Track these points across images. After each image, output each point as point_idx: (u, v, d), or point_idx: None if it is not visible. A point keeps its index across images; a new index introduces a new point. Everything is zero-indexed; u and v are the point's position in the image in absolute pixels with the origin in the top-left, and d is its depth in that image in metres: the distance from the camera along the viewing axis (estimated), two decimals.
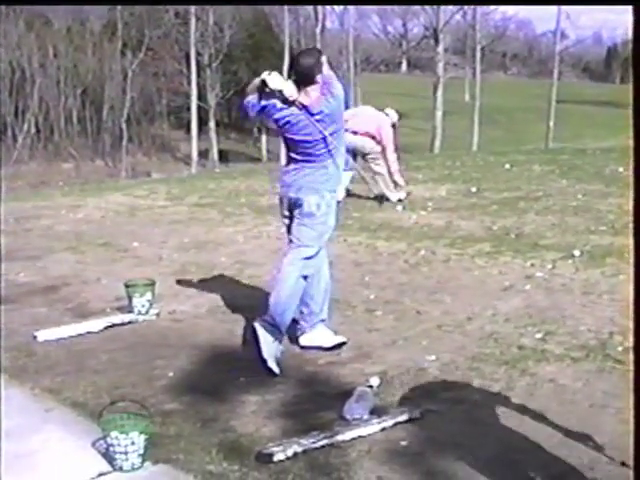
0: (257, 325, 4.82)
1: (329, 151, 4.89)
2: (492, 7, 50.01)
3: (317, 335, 5.15)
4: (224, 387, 4.60)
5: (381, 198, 10.28)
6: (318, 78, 4.84)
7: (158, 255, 7.91)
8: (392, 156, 10.20)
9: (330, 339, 5.12)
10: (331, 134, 4.84)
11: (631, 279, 2.51)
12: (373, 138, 10.13)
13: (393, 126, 10.40)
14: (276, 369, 4.74)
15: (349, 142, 9.98)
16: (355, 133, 9.94)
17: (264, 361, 4.72)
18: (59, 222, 9.85)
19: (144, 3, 40.50)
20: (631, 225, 2.50)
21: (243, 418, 4.18)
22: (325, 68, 4.90)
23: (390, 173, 10.30)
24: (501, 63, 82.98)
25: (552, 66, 42.85)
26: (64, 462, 3.73)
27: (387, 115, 10.39)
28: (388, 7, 63.17)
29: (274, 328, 4.85)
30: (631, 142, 2.45)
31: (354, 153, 10.11)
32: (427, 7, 46.10)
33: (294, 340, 5.23)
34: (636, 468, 2.51)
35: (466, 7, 45.66)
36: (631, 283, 2.48)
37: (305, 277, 4.98)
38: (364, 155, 10.27)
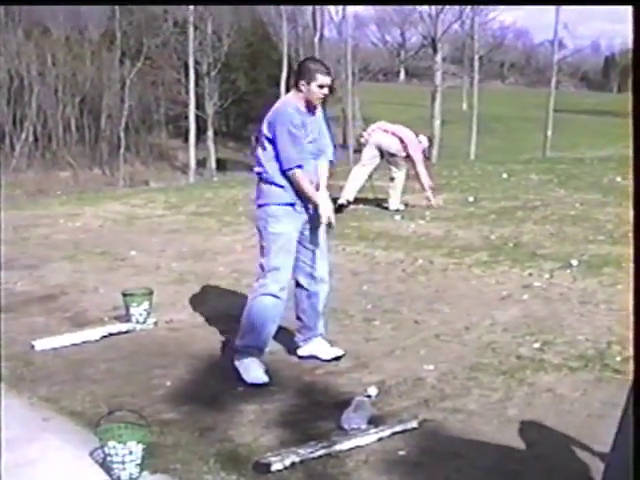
0: (236, 363, 4.88)
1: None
2: (490, 16, 50.08)
3: (314, 348, 5.14)
4: (222, 396, 4.60)
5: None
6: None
7: (156, 264, 7.91)
8: (422, 170, 10.41)
9: (327, 352, 5.11)
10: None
11: (631, 280, 2.50)
12: (401, 142, 10.27)
13: (423, 152, 10.58)
14: (264, 379, 4.77)
15: (377, 140, 10.09)
16: (386, 132, 10.26)
17: (251, 384, 4.75)
18: (57, 231, 9.84)
19: (142, 3, 40.50)
20: (631, 234, 2.50)
21: (241, 428, 4.18)
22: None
23: (421, 183, 10.50)
24: (499, 72, 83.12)
25: (550, 75, 42.89)
26: (62, 472, 3.73)
27: (420, 142, 10.57)
28: (386, 16, 63.19)
29: (254, 349, 4.90)
30: (630, 150, 2.45)
31: (380, 151, 10.29)
32: (425, 16, 46.18)
33: (292, 350, 5.23)
34: (636, 467, 2.51)
35: (464, 17, 45.76)
36: (631, 283, 2.47)
37: (271, 295, 4.88)
38: (390, 155, 10.36)
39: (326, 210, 4.87)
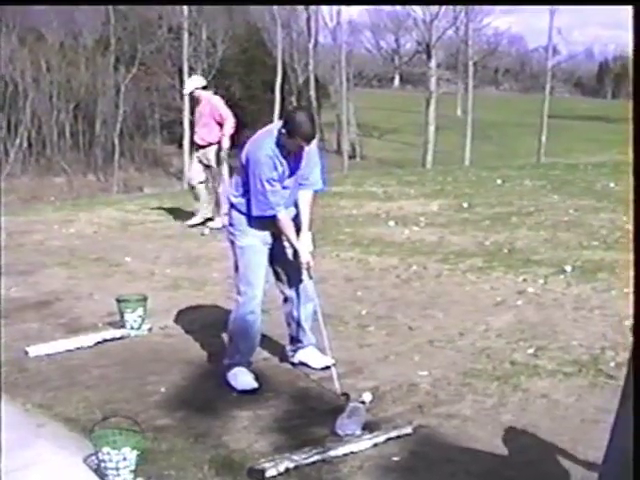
0: (227, 378, 4.87)
1: None
2: (484, 22, 50.20)
3: (305, 356, 5.14)
4: (216, 402, 4.60)
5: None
6: None
7: (150, 270, 7.90)
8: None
9: (318, 361, 5.10)
10: None
11: (631, 280, 2.51)
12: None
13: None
14: (254, 385, 4.78)
15: None
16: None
17: (243, 391, 4.75)
18: (51, 237, 9.82)
19: (139, 3, 40.47)
20: (624, 240, 2.51)
21: (235, 434, 4.18)
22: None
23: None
24: (493, 78, 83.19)
25: (544, 81, 43.06)
26: (56, 477, 3.73)
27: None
28: (381, 22, 63.28)
29: (241, 361, 4.91)
30: (630, 156, 2.46)
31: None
32: (420, 22, 46.25)
33: (286, 356, 5.23)
34: (636, 468, 2.52)
35: (459, 23, 45.83)
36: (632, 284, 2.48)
37: (250, 312, 4.87)
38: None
39: (305, 255, 4.86)
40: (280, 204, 4.75)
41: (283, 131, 4.62)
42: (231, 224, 4.95)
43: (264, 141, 4.75)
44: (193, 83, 10.15)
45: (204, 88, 10.02)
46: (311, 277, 4.93)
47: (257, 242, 4.86)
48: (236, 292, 4.95)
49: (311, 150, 4.84)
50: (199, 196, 9.93)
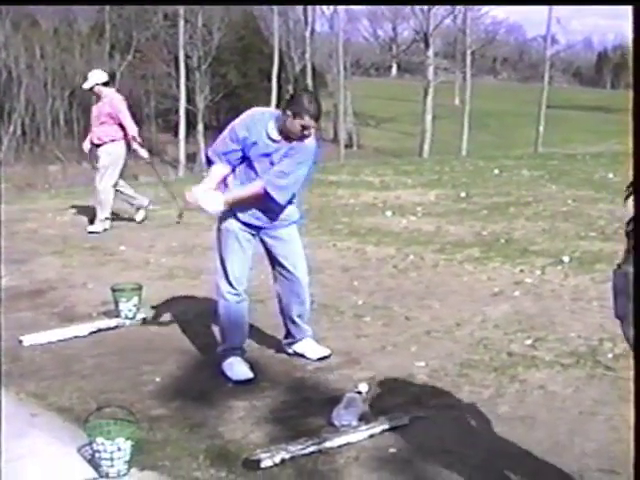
0: (222, 367, 4.85)
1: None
2: (483, 11, 50.17)
3: (302, 346, 5.11)
4: (211, 393, 4.57)
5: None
6: None
7: (145, 259, 7.87)
8: None
9: (315, 351, 5.08)
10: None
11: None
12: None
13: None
14: (249, 375, 4.75)
15: None
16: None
17: (238, 381, 4.74)
18: (45, 225, 9.78)
19: (137, 3, 40.39)
20: (622, 231, 2.47)
21: (231, 424, 4.15)
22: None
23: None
24: (491, 67, 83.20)
25: (542, 71, 42.93)
26: (50, 468, 3.70)
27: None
28: (378, 10, 63.15)
29: (233, 350, 4.89)
30: (630, 141, 2.42)
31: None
32: (417, 11, 46.12)
33: (282, 346, 5.20)
34: (636, 468, 2.49)
35: (456, 11, 45.75)
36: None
37: (231, 295, 4.83)
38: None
39: (190, 193, 4.83)
40: (222, 157, 4.75)
41: (288, 112, 4.58)
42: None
43: (263, 112, 4.81)
44: (94, 78, 9.48)
45: (106, 84, 9.50)
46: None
47: (234, 227, 4.81)
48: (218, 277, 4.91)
49: (300, 153, 4.71)
50: (104, 203, 9.36)
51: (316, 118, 4.60)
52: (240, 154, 4.73)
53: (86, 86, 9.56)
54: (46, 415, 4.31)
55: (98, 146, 9.35)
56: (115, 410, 3.85)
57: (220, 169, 4.80)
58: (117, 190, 9.45)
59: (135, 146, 9.33)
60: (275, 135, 4.66)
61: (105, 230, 9.29)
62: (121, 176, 9.55)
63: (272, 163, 4.71)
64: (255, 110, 4.89)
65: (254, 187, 4.72)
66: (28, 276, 7.33)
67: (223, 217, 4.84)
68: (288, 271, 4.92)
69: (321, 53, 50.66)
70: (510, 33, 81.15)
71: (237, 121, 4.78)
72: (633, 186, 2.44)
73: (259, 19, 47.41)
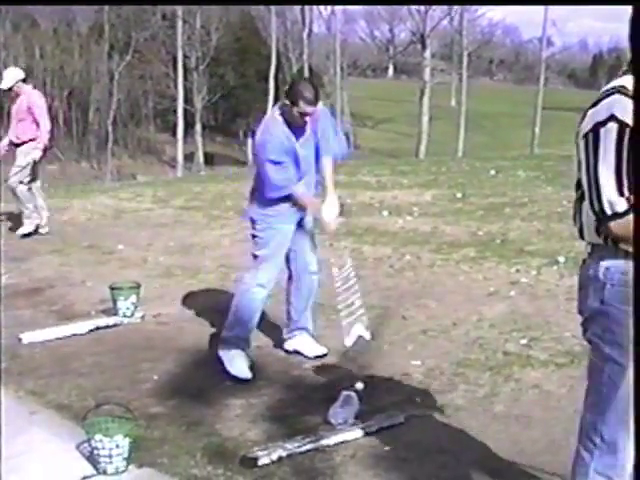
0: (220, 352, 4.91)
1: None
2: (479, 12, 50.17)
3: (299, 343, 5.15)
4: (209, 391, 4.60)
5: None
6: None
7: (143, 258, 7.89)
8: None
9: (312, 349, 5.12)
10: None
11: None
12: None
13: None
14: (248, 375, 4.77)
15: None
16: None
17: (235, 377, 4.76)
18: (44, 224, 9.77)
19: (136, 3, 40.35)
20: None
21: (228, 422, 4.18)
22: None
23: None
24: (487, 69, 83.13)
25: (538, 72, 43.00)
26: (48, 465, 3.72)
27: None
28: (375, 12, 63.24)
29: (241, 340, 4.92)
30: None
31: None
32: (414, 12, 46.19)
33: (279, 344, 5.23)
34: (636, 467, 2.51)
35: (453, 13, 45.78)
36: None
37: (260, 286, 4.90)
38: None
39: (328, 217, 4.91)
40: (290, 180, 4.78)
41: (287, 103, 4.68)
42: (253, 220, 4.96)
43: (267, 125, 4.84)
44: (13, 76, 8.97)
45: (24, 80, 9.02)
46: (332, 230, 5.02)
47: (284, 226, 4.92)
48: (250, 267, 4.96)
49: (321, 119, 4.86)
50: (22, 199, 9.12)
51: (312, 103, 4.68)
52: (290, 164, 4.78)
53: (5, 86, 8.97)
54: (45, 412, 4.33)
55: (17, 145, 9.03)
56: (113, 407, 3.88)
57: (301, 187, 4.86)
58: (29, 189, 9.11)
59: (38, 145, 8.92)
60: (288, 132, 4.75)
61: (38, 226, 9.06)
62: (36, 176, 9.25)
63: (310, 147, 4.83)
64: (264, 124, 4.90)
65: (328, 167, 4.88)
66: (27, 274, 7.36)
67: (271, 215, 4.89)
68: (306, 248, 5.05)
69: (318, 54, 50.63)
70: (506, 35, 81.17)
71: (261, 147, 4.79)
72: (633, 188, 2.46)
73: (257, 20, 47.35)
